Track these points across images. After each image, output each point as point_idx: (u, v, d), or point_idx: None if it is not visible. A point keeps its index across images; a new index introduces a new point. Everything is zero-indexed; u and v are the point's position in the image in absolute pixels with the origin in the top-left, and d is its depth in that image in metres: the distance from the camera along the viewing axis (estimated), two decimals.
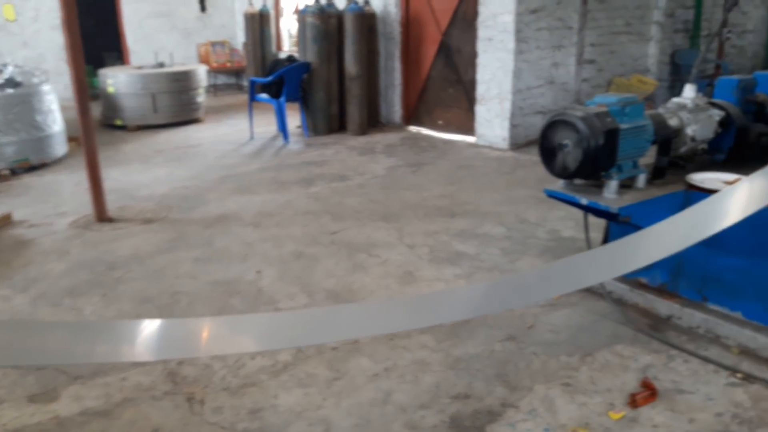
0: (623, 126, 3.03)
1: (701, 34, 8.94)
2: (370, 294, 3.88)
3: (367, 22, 8.71)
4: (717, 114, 3.55)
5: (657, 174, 3.34)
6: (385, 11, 8.97)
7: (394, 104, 9.26)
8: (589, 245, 3.55)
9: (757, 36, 9.91)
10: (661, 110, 3.52)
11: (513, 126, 7.54)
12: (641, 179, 3.23)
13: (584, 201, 3.12)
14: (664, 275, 3.54)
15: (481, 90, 7.78)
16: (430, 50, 8.66)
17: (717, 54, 9.04)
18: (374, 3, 8.92)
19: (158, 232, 5.01)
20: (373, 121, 9.20)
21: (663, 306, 3.48)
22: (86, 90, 5.10)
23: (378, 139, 8.54)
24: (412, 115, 9.22)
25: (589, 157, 2.93)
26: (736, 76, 3.75)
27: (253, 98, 8.72)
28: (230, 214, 5.41)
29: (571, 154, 3.00)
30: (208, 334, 2.24)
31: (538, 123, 7.61)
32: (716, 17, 9.08)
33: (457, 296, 2.58)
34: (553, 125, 3.05)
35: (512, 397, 2.82)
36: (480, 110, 7.87)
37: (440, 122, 8.81)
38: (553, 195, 3.27)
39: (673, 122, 3.45)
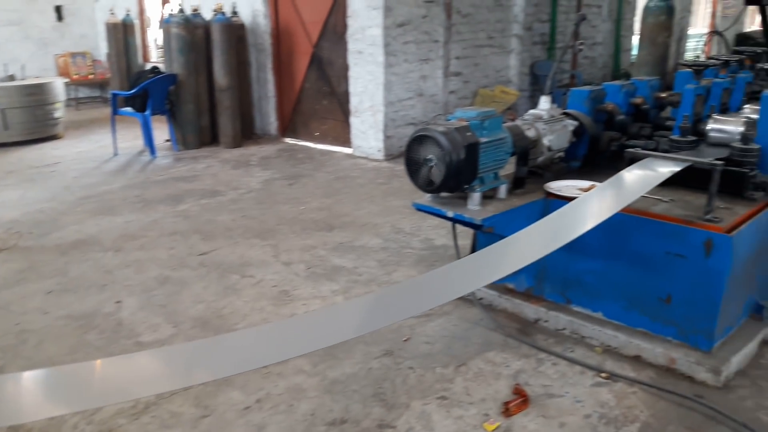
0: (483, 139, 3.11)
1: (557, 46, 9.49)
2: (243, 319, 3.74)
3: (236, 32, 8.51)
4: (571, 124, 3.74)
5: (517, 184, 3.46)
6: (254, 22, 8.80)
7: (269, 116, 9.10)
8: (458, 254, 3.62)
9: (605, 47, 10.67)
10: (518, 122, 3.66)
11: (387, 137, 7.62)
12: (503, 190, 3.33)
13: (450, 213, 3.17)
14: (530, 280, 3.67)
15: (354, 102, 7.81)
16: (302, 62, 8.59)
17: (571, 65, 9.64)
18: (243, 14, 8.73)
19: (5, 263, 4.58)
20: (247, 133, 8.99)
21: (530, 310, 3.61)
22: None
23: (253, 151, 8.35)
24: (289, 127, 9.10)
25: (452, 171, 2.98)
26: (586, 87, 3.98)
27: (115, 112, 8.26)
28: (89, 239, 5.05)
29: (435, 168, 3.03)
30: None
31: (410, 133, 7.73)
32: (569, 30, 9.67)
33: (335, 317, 2.52)
34: (416, 141, 3.08)
35: (389, 416, 2.80)
36: (355, 122, 7.89)
37: (317, 134, 8.76)
38: (421, 208, 3.30)
39: (530, 133, 3.59)
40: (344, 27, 7.70)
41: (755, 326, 3.27)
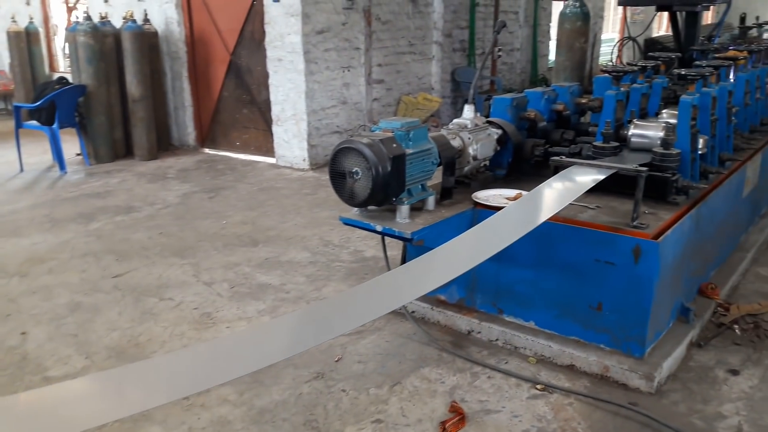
0: (409, 151, 3.02)
1: (476, 53, 9.59)
2: (162, 346, 3.50)
3: (149, 41, 8.15)
4: (495, 132, 3.71)
5: (445, 194, 3.39)
6: (167, 30, 8.45)
7: (186, 126, 8.76)
8: (388, 266, 3.51)
9: (523, 53, 10.88)
10: (443, 132, 3.59)
11: (311, 146, 7.46)
12: (431, 201, 3.25)
13: (379, 228, 3.06)
14: (461, 291, 3.61)
15: (276, 110, 7.61)
16: (219, 70, 8.31)
17: (491, 71, 9.76)
18: (155, 21, 8.37)
19: None
20: (164, 145, 8.63)
21: (463, 322, 3.54)
22: None
23: (171, 163, 8.01)
24: (208, 137, 8.79)
25: (378, 184, 2.87)
26: (508, 95, 3.96)
27: (19, 126, 7.73)
28: None
29: (361, 181, 2.92)
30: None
31: (335, 142, 7.60)
32: (488, 37, 9.80)
33: (262, 338, 2.36)
34: (340, 153, 2.95)
35: None
36: (277, 131, 7.69)
37: (238, 143, 8.49)
38: (349, 223, 3.18)
39: (455, 143, 3.53)
40: (262, 34, 7.50)
41: (683, 329, 3.31)
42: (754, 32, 6.77)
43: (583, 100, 4.41)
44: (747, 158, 4.30)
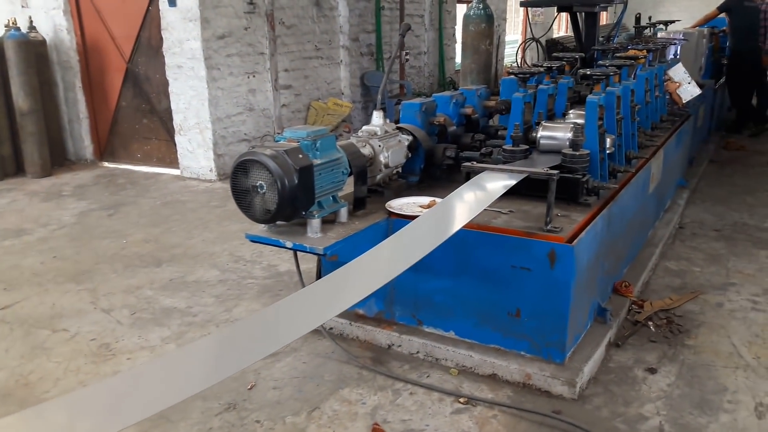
0: (317, 161, 2.86)
1: (384, 57, 9.53)
2: (55, 384, 3.18)
3: (36, 49, 7.58)
4: (405, 138, 3.61)
5: (358, 205, 3.25)
6: (56, 38, 7.90)
7: (82, 139, 8.23)
8: (302, 282, 3.33)
9: (431, 57, 10.93)
10: (353, 140, 3.46)
11: (218, 156, 7.16)
12: (343, 213, 3.10)
13: (289, 244, 2.88)
14: (380, 304, 3.48)
15: (178, 120, 7.25)
16: (116, 79, 7.86)
17: (399, 75, 9.73)
18: (42, 29, 7.81)
19: None
20: (59, 160, 8.08)
21: (382, 336, 3.41)
22: None
23: (66, 179, 7.49)
24: (106, 150, 8.29)
25: (285, 198, 2.69)
26: (417, 100, 3.87)
27: None
28: None
29: (266, 196, 2.73)
30: None
31: (244, 150, 7.33)
32: (395, 40, 9.76)
33: (168, 372, 2.12)
34: (242, 167, 2.76)
35: None
36: (181, 141, 7.33)
37: (139, 155, 8.05)
38: (256, 240, 2.98)
39: (366, 151, 3.40)
40: (160, 41, 7.13)
41: (600, 329, 3.31)
42: (648, 32, 7.02)
43: (491, 103, 4.39)
44: (651, 155, 4.40)
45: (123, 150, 8.15)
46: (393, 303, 3.43)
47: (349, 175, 3.17)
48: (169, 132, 7.50)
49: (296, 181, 2.72)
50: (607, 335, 3.28)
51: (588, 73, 3.41)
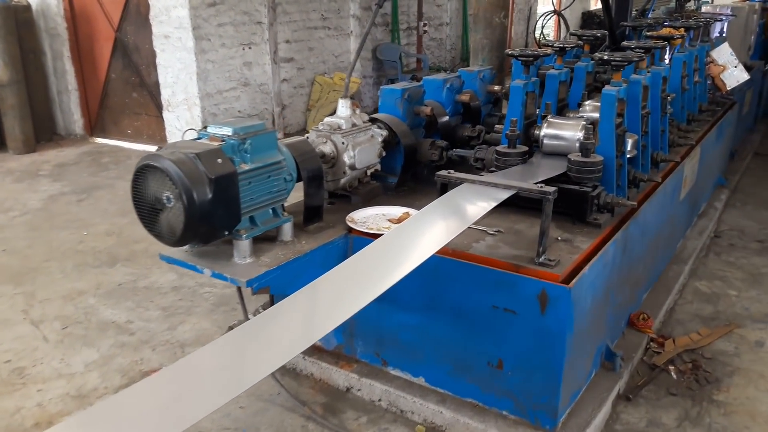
0: (246, 166, 2.24)
1: (401, 28, 8.78)
2: None
3: (19, 15, 7.06)
4: (379, 133, 2.96)
5: (310, 217, 2.62)
6: (43, 3, 7.36)
7: (72, 113, 7.72)
8: (245, 314, 2.72)
9: (453, 28, 10.13)
10: (311, 134, 2.82)
11: None
12: (287, 229, 2.47)
13: (207, 272, 2.28)
14: (338, 335, 2.87)
15: (166, 94, 6.69)
16: (105, 49, 7.30)
17: (417, 48, 8.98)
18: None
19: None
20: (47, 135, 7.61)
21: (340, 376, 2.81)
22: None
23: (49, 156, 7.00)
24: (97, 125, 7.78)
25: (195, 216, 2.08)
26: (399, 85, 3.20)
27: None
28: None
29: (172, 212, 2.12)
30: None
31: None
32: (413, 10, 9.00)
33: None
34: (141, 173, 2.15)
35: None
36: (169, 117, 6.77)
37: (129, 131, 7.52)
38: (171, 262, 2.38)
39: (326, 149, 2.77)
40: (148, 8, 6.52)
41: (607, 380, 2.65)
42: (691, 5, 6.17)
43: (496, 87, 3.71)
44: (685, 154, 3.68)
45: (113, 125, 7.63)
46: (354, 336, 2.81)
47: (298, 180, 2.55)
48: (159, 107, 6.94)
49: (210, 194, 2.10)
50: (615, 388, 2.62)
51: (606, 57, 2.70)
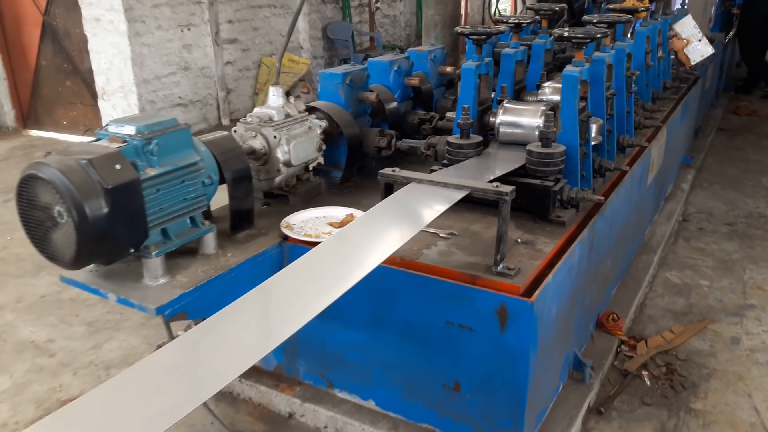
0: (151, 172, 1.90)
1: (352, 5, 8.40)
2: None
3: None
4: (317, 124, 2.63)
5: (239, 223, 2.29)
6: None
7: (2, 104, 7.19)
8: (170, 335, 2.38)
9: (407, 4, 9.76)
10: (239, 127, 2.48)
11: None
12: (209, 241, 2.14)
13: (112, 297, 1.94)
14: (278, 355, 2.56)
15: (100, 82, 6.22)
16: (33, 34, 6.77)
17: (369, 26, 8.61)
18: None
19: None
20: None
21: (281, 401, 2.50)
22: None
23: None
24: (30, 116, 7.27)
25: (88, 235, 1.74)
26: (339, 69, 2.88)
27: None
28: None
29: (63, 229, 1.77)
30: None
31: (180, 117, 6.30)
32: None
33: None
34: (27, 185, 1.79)
35: None
36: (104, 106, 6.32)
37: (65, 122, 7.03)
38: (74, 285, 2.04)
39: (255, 144, 2.44)
40: None
41: (577, 393, 2.40)
42: None
43: (448, 69, 3.41)
44: (652, 136, 3.44)
45: (47, 116, 7.12)
46: (295, 356, 2.51)
47: (221, 182, 2.21)
48: (94, 96, 6.47)
49: (106, 208, 1.76)
50: (585, 403, 2.38)
51: (566, 34, 2.42)
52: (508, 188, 1.91)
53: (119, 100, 6.10)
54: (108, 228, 1.78)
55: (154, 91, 6.14)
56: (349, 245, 1.93)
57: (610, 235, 2.74)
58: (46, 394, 2.74)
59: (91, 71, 6.32)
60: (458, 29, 2.61)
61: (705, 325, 3.03)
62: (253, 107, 7.23)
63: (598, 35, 2.40)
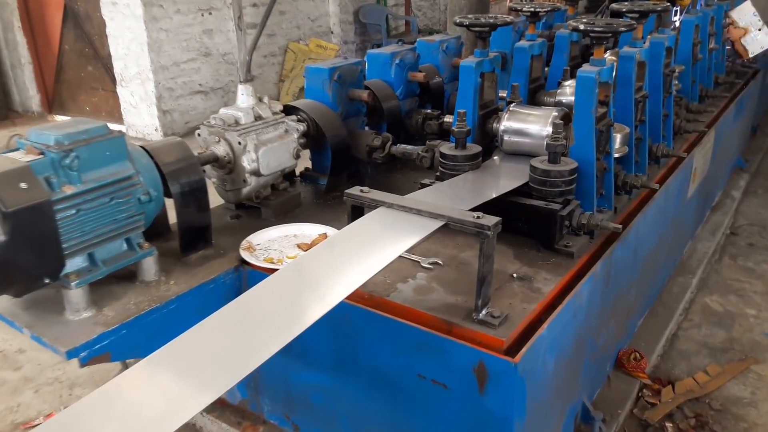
0: (69, 189, 1.61)
1: None
2: None
3: None
4: (295, 127, 2.30)
5: (191, 242, 1.99)
6: None
7: (27, 88, 7.10)
8: (125, 365, 2.12)
9: None
10: (203, 131, 2.18)
11: (163, 112, 5.93)
12: (148, 266, 1.85)
13: (27, 332, 1.67)
14: (242, 389, 2.26)
15: (118, 68, 6.04)
16: (55, 17, 6.62)
17: (405, 10, 8.20)
18: None
19: None
20: (2, 111, 7.02)
21: None
22: None
23: (1, 137, 6.38)
24: (55, 101, 7.17)
25: None
26: (327, 63, 2.54)
27: None
28: None
29: None
30: None
31: (200, 105, 6.09)
32: None
33: None
34: None
35: None
36: (123, 93, 6.14)
37: (88, 108, 6.90)
38: None
39: (219, 150, 2.13)
40: None
41: None
42: None
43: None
44: (694, 142, 2.99)
45: (71, 101, 7.01)
46: (259, 393, 2.21)
47: (167, 196, 1.92)
48: (114, 82, 6.29)
49: (4, 236, 1.48)
50: None
51: (581, 27, 2.00)
52: (491, 220, 1.54)
53: (137, 86, 5.91)
54: (7, 257, 1.50)
55: (172, 77, 5.92)
56: (305, 278, 1.61)
57: (634, 264, 2.34)
58: (1, 416, 2.52)
59: (110, 56, 6.14)
60: (456, 19, 2.22)
61: (747, 365, 2.60)
62: (279, 95, 6.97)
63: (622, 28, 1.98)
